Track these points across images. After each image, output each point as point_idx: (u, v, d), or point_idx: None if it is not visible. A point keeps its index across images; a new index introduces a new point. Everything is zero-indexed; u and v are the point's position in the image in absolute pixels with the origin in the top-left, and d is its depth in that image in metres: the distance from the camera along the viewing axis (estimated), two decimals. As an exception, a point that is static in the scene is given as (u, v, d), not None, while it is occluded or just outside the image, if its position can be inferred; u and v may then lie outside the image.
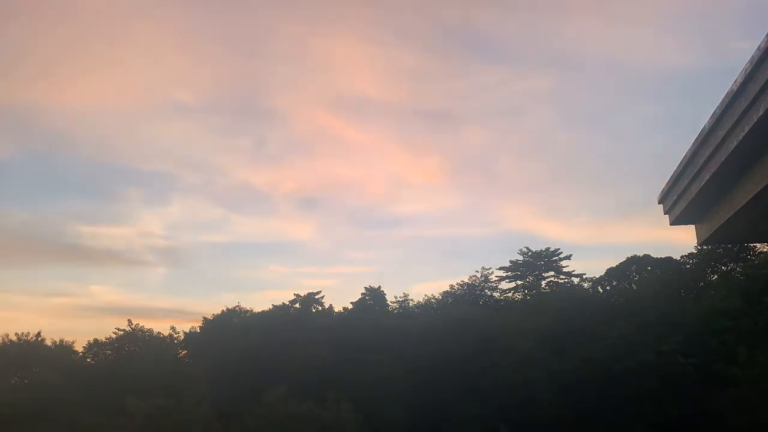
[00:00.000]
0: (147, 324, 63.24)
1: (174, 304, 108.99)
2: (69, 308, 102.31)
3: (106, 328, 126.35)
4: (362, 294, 64.22)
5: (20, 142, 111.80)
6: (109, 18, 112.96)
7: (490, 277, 73.68)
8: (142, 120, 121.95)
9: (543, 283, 73.39)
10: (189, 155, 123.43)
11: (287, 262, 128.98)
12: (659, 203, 8.91)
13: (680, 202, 8.11)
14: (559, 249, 72.75)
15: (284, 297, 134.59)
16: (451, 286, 72.86)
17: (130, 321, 59.28)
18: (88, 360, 60.53)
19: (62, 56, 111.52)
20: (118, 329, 59.05)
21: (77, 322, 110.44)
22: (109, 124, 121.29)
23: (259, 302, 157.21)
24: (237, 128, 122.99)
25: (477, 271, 74.82)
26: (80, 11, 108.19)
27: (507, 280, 74.65)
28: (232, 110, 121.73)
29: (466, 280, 73.04)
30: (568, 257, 72.74)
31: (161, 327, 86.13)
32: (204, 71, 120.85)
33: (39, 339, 59.06)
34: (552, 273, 73.15)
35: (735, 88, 5.60)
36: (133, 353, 57.61)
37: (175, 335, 61.26)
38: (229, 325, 55.47)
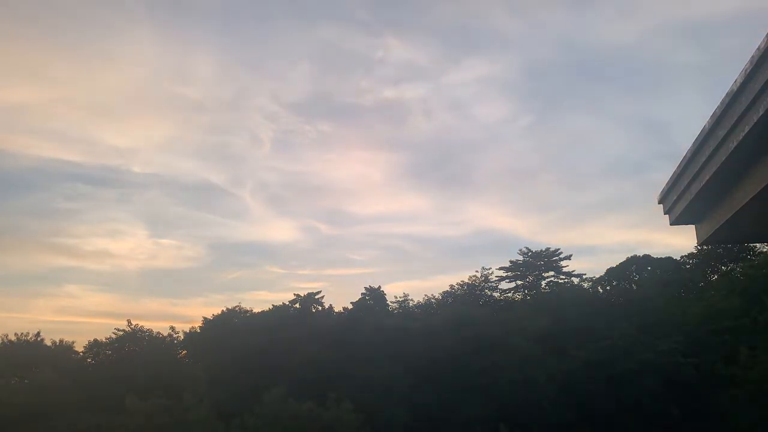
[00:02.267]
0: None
1: (158, 305, 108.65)
2: (47, 308, 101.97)
3: (84, 329, 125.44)
4: (362, 294, 64.30)
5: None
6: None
7: (490, 277, 73.82)
8: (117, 119, 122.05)
9: (543, 283, 73.47)
10: (149, 153, 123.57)
11: (265, 263, 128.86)
12: (659, 203, 8.90)
13: (680, 202, 8.10)
14: (559, 249, 72.88)
15: (267, 298, 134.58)
16: (451, 286, 73.06)
17: (129, 321, 59.26)
18: (88, 360, 60.50)
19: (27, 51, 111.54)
20: (118, 329, 59.05)
21: (56, 322, 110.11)
22: (92, 122, 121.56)
23: (237, 303, 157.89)
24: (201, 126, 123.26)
25: (477, 271, 75.03)
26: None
27: (507, 280, 74.78)
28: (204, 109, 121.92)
29: (466, 280, 73.22)
30: (569, 257, 72.86)
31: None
32: (185, 71, 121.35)
33: (39, 339, 59.08)
34: (552, 273, 73.22)
35: (735, 88, 5.59)
36: (133, 353, 57.56)
37: (175, 335, 61.29)
38: (229, 325, 55.49)
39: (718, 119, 6.13)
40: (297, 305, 59.14)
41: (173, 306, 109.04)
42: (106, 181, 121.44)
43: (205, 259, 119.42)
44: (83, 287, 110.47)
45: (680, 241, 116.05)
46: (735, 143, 5.91)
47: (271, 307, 59.44)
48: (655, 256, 72.70)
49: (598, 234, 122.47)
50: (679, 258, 70.91)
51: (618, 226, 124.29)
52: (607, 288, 70.37)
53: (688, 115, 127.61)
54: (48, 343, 59.32)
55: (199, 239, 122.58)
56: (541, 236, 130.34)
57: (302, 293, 60.28)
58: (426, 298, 70.81)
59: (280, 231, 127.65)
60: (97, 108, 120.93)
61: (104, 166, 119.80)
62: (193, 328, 60.60)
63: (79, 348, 60.84)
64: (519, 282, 74.60)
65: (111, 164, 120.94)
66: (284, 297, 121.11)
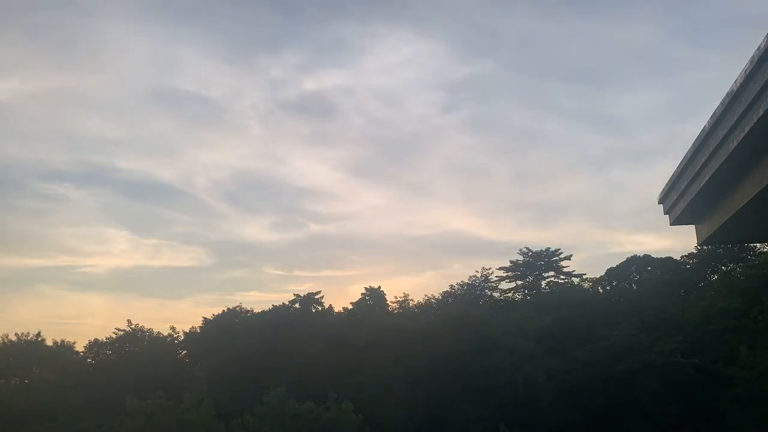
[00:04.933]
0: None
1: (144, 306, 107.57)
2: (25, 309, 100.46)
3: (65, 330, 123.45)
4: (362, 294, 64.21)
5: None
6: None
7: (490, 277, 73.82)
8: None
9: (543, 283, 73.46)
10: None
11: (243, 263, 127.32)
12: (659, 203, 8.91)
13: (680, 202, 8.10)
14: (559, 249, 72.84)
15: (259, 299, 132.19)
16: (452, 286, 73.07)
17: (129, 321, 59.32)
18: (88, 360, 60.51)
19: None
20: (118, 329, 59.07)
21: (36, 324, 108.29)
22: (75, 118, 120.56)
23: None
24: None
25: (477, 271, 75.05)
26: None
27: (507, 280, 74.77)
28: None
29: (466, 281, 73.25)
30: (569, 257, 72.83)
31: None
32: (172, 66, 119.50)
33: (39, 339, 59.09)
34: (552, 273, 73.20)
35: (735, 89, 5.59)
36: (133, 353, 57.56)
37: (175, 335, 61.29)
38: (230, 325, 55.46)
39: (718, 119, 6.12)
40: (297, 305, 59.08)
41: (161, 307, 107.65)
42: (89, 179, 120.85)
43: (190, 259, 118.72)
44: (63, 288, 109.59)
45: (650, 240, 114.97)
46: (735, 143, 5.91)
47: (271, 307, 59.47)
48: (655, 256, 72.81)
49: (567, 233, 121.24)
50: (679, 258, 70.99)
51: (585, 225, 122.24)
52: (607, 288, 70.36)
53: (643, 111, 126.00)
54: (48, 343, 59.37)
55: (185, 239, 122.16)
56: (507, 235, 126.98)
57: (284, 293, 60.12)
58: (426, 298, 70.91)
59: (257, 231, 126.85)
60: (81, 104, 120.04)
61: (87, 163, 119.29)
62: (193, 328, 60.62)
63: (80, 348, 60.94)
64: (519, 282, 74.61)
65: (94, 161, 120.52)
66: (265, 297, 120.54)
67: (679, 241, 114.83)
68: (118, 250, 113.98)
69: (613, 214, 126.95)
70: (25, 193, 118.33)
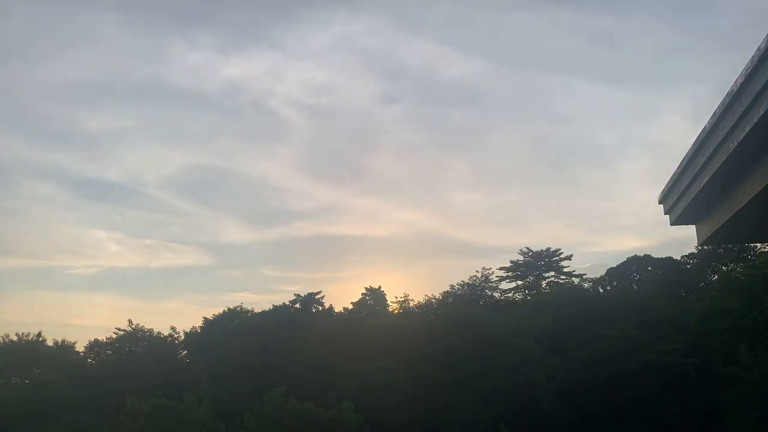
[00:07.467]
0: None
1: (134, 307, 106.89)
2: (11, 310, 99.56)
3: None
4: (362, 294, 64.21)
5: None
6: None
7: (490, 277, 73.82)
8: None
9: (543, 283, 73.46)
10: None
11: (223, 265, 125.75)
12: (659, 203, 8.90)
13: (680, 202, 8.10)
14: (559, 249, 72.84)
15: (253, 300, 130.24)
16: (452, 286, 73.03)
17: (130, 321, 59.38)
18: (89, 360, 60.55)
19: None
20: (119, 329, 59.12)
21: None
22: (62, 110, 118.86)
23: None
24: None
25: (477, 271, 75.02)
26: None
27: (507, 280, 74.78)
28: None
29: (467, 280, 73.22)
30: (569, 257, 72.83)
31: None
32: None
33: (39, 339, 59.09)
34: (552, 273, 73.21)
35: (735, 88, 5.59)
36: (133, 353, 57.61)
37: (175, 335, 61.32)
38: (230, 325, 55.50)
39: (718, 119, 6.12)
40: (297, 305, 59.14)
41: (150, 307, 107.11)
42: (72, 179, 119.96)
43: (179, 260, 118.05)
44: (51, 288, 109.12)
45: (629, 240, 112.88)
46: (735, 143, 5.91)
47: (271, 306, 59.50)
48: (655, 256, 72.77)
49: (539, 233, 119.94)
50: (679, 258, 70.97)
51: (557, 225, 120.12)
52: (607, 288, 70.36)
53: (595, 107, 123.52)
54: (49, 343, 59.38)
55: (176, 239, 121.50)
56: (467, 233, 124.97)
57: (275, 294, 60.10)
58: (426, 297, 70.85)
59: (232, 231, 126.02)
60: (69, 95, 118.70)
61: (77, 160, 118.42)
62: (193, 328, 60.66)
63: (80, 348, 60.96)
64: (519, 282, 74.62)
65: (83, 158, 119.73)
66: (257, 298, 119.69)
67: (657, 240, 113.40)
68: (111, 251, 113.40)
69: (585, 215, 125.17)
70: (9, 193, 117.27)
